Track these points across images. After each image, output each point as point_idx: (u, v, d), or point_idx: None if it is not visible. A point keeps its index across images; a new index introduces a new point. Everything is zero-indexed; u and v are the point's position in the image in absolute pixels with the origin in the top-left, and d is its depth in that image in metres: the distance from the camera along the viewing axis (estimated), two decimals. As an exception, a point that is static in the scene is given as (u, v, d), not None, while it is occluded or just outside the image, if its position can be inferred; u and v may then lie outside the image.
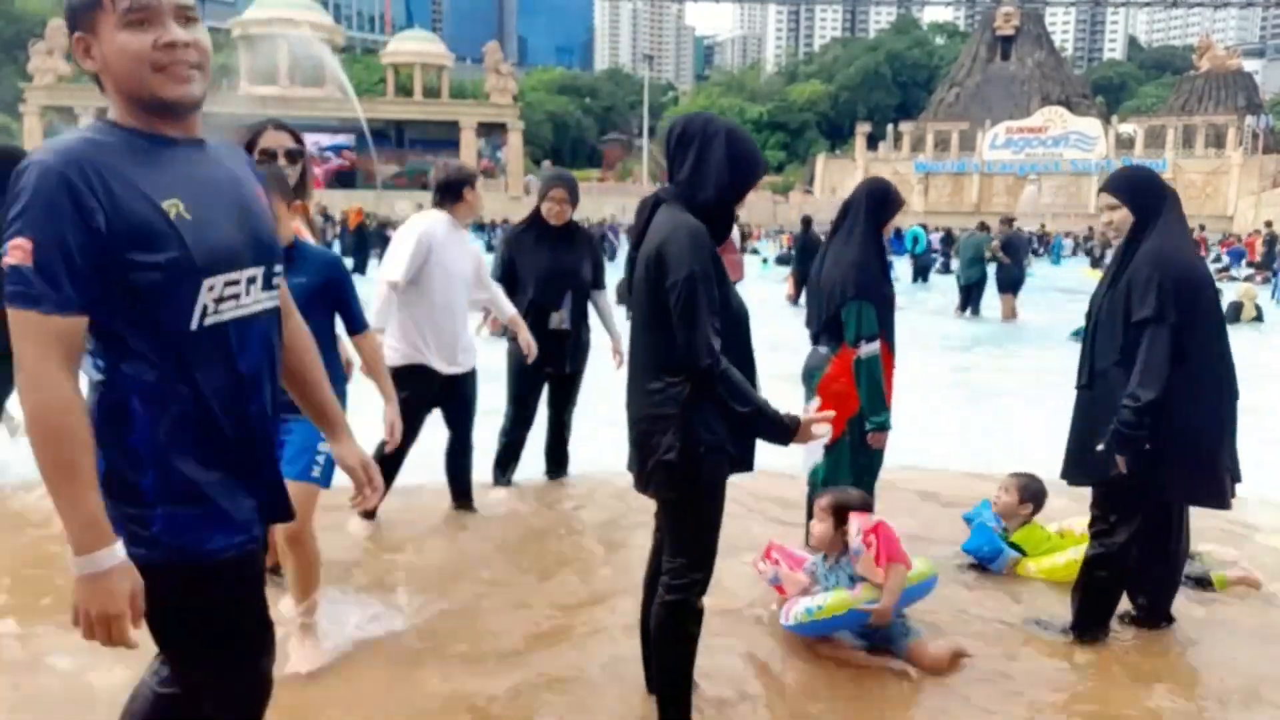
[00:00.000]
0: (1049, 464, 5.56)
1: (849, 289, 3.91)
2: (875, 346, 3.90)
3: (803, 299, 10.63)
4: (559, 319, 5.12)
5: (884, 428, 3.93)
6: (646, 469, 2.63)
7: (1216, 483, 3.35)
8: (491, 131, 63.10)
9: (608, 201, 53.54)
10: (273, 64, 59.52)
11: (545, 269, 5.08)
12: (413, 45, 66.06)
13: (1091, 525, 3.55)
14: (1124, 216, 3.41)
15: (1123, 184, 3.47)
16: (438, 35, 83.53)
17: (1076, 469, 3.54)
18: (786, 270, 20.18)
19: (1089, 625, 3.53)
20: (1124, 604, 3.74)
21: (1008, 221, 16.77)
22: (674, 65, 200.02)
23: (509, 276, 5.13)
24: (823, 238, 18.29)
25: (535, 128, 75.38)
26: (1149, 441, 3.21)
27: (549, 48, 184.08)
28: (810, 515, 4.23)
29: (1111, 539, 3.43)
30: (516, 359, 5.07)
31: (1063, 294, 20.12)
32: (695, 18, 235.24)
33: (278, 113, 47.95)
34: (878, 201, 4.09)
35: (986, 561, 4.19)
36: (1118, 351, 3.32)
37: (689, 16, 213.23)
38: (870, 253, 4.01)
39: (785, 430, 2.55)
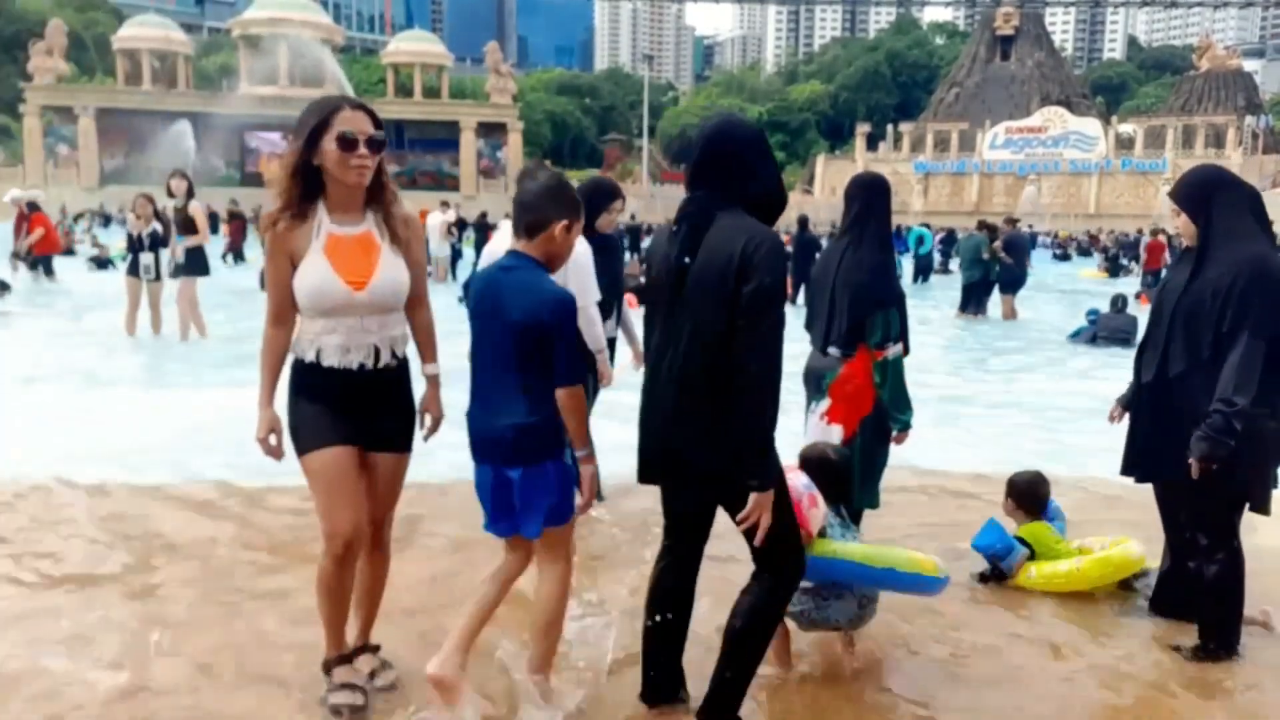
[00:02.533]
0: (1050, 460, 5.60)
1: (878, 296, 3.84)
2: (899, 347, 3.90)
3: (800, 299, 10.36)
4: (610, 328, 5.07)
5: (908, 427, 3.93)
6: (714, 477, 2.61)
7: (1268, 488, 3.38)
8: (491, 131, 63.07)
9: (607, 201, 53.37)
10: (273, 64, 59.47)
11: (601, 279, 4.94)
12: (413, 45, 66.05)
13: (1187, 544, 3.50)
14: (1186, 221, 3.42)
15: (1179, 188, 3.48)
16: (438, 36, 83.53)
17: (1141, 467, 3.54)
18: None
19: (1226, 636, 3.45)
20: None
21: (1011, 221, 16.79)
22: (674, 65, 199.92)
23: None
24: (820, 238, 18.27)
25: (535, 128, 75.38)
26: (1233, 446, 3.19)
27: (549, 48, 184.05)
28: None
29: (1227, 548, 3.38)
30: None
31: (1063, 294, 20.15)
32: (695, 18, 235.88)
33: (277, 113, 47.28)
34: (881, 197, 4.02)
35: (998, 559, 4.06)
36: (1198, 356, 3.29)
37: (689, 16, 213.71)
38: (889, 255, 4.00)
39: (768, 477, 2.52)
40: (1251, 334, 3.17)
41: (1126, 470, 3.63)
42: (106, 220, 39.69)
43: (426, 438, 3.00)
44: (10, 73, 64.39)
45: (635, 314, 5.02)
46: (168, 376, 8.68)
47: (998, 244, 15.41)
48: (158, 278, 10.73)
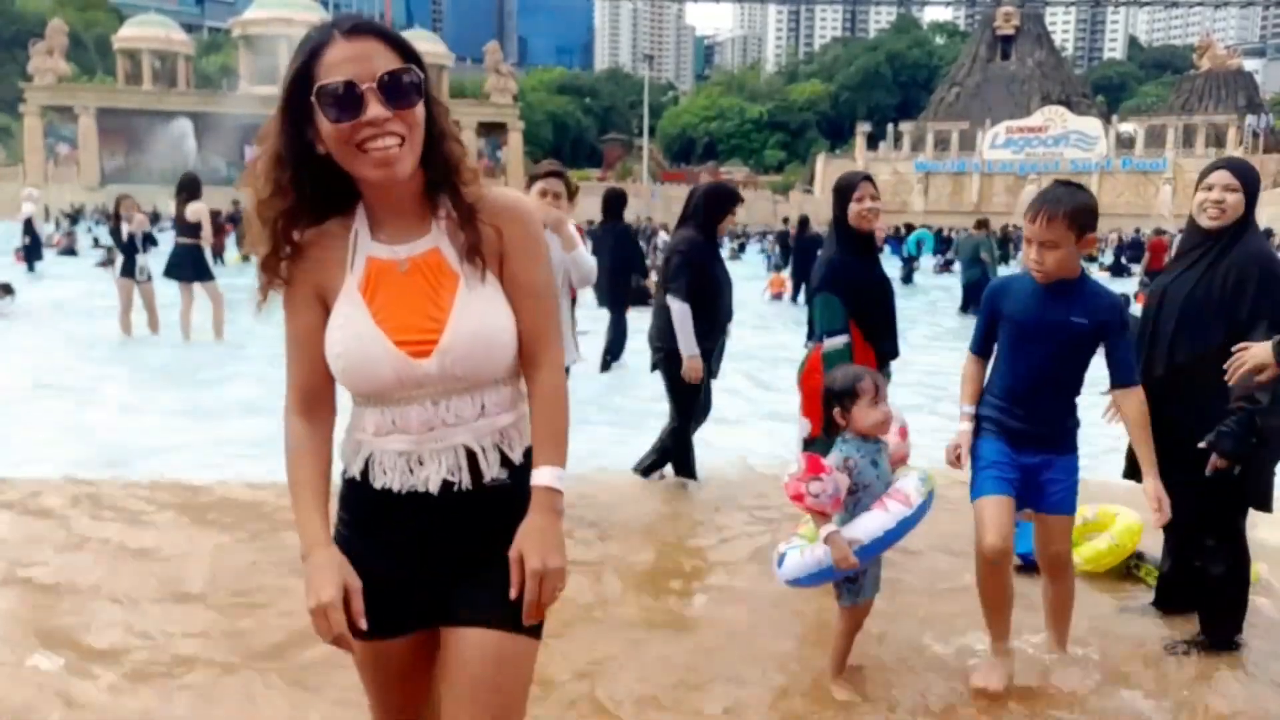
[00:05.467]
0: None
1: (817, 284, 4.03)
2: (839, 340, 3.92)
3: (801, 298, 10.27)
4: (731, 326, 5.32)
5: None
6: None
7: (1270, 485, 3.35)
8: (491, 131, 63.08)
9: (608, 201, 53.38)
10: (273, 64, 59.38)
11: (727, 280, 5.15)
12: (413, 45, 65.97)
13: (1190, 542, 3.47)
14: (1239, 201, 3.32)
15: (1246, 173, 3.40)
16: (438, 35, 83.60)
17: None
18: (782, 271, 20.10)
19: (1229, 634, 3.43)
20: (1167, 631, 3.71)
21: None
22: (674, 65, 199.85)
23: (707, 291, 4.98)
24: (820, 237, 18.22)
25: (535, 128, 75.36)
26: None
27: (549, 48, 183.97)
28: None
29: (1234, 545, 3.35)
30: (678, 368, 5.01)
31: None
32: (695, 17, 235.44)
33: (277, 113, 47.71)
34: (836, 194, 4.16)
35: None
36: (1210, 346, 3.22)
37: (689, 16, 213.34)
38: (839, 246, 4.07)
39: None
40: (1272, 325, 3.09)
41: (1130, 472, 3.54)
42: (74, 219, 39.27)
43: (526, 616, 1.62)
44: (10, 73, 64.36)
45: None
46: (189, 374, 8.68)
47: None
48: (150, 278, 10.73)
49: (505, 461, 1.66)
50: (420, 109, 1.56)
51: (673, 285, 4.89)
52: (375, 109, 1.50)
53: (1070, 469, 3.20)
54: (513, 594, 1.59)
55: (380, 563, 1.65)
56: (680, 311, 4.82)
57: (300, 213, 1.61)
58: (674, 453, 5.29)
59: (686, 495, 5.29)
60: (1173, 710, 3.11)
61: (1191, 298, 3.31)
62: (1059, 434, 3.18)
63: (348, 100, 1.49)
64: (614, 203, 9.16)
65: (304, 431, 1.67)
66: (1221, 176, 3.33)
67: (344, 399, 1.72)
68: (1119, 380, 3.11)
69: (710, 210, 5.02)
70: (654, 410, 6.04)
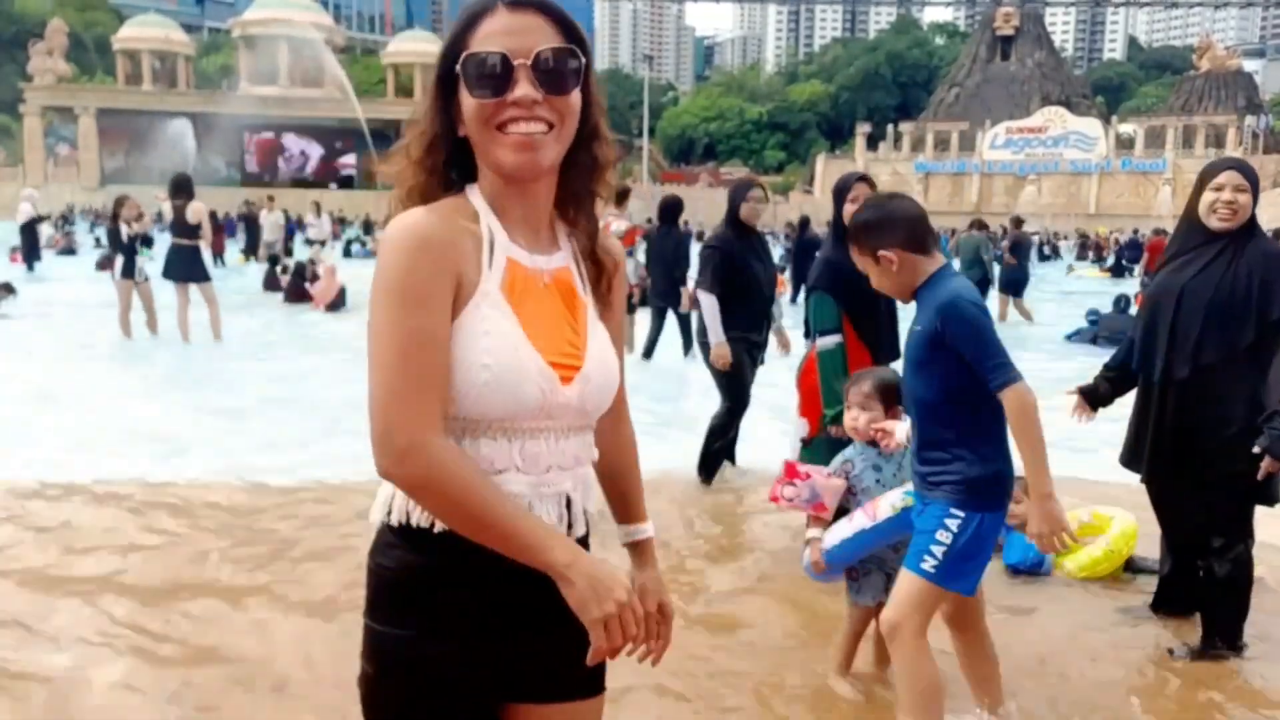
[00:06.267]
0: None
1: (811, 282, 4.08)
2: (830, 341, 3.93)
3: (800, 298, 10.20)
4: (777, 315, 5.43)
5: (837, 421, 3.79)
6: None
7: (1275, 479, 3.34)
8: (491, 132, 63.00)
9: (607, 201, 53.31)
10: (273, 64, 59.45)
11: (766, 273, 5.21)
12: (413, 45, 66.00)
13: (1193, 543, 3.47)
14: (1249, 202, 3.33)
15: (1252, 173, 3.41)
16: (438, 35, 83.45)
17: (1164, 466, 3.45)
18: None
19: (1233, 636, 3.43)
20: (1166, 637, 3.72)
21: (1017, 222, 16.70)
22: (674, 65, 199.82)
23: (738, 283, 5.05)
24: (819, 237, 18.24)
25: (535, 128, 75.27)
26: None
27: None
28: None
29: (1242, 546, 3.34)
30: (737, 362, 5.09)
31: (1063, 295, 20.12)
32: (695, 18, 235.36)
33: (278, 113, 46.97)
34: (835, 195, 4.19)
35: (1035, 568, 4.12)
36: (1240, 346, 3.25)
37: (689, 16, 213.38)
38: (835, 245, 4.10)
39: None
40: None
41: (1150, 475, 3.53)
42: (67, 219, 39.11)
43: (659, 659, 1.49)
44: (10, 73, 64.39)
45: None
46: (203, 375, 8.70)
47: (1005, 244, 15.34)
48: (148, 279, 10.75)
49: (586, 515, 1.48)
50: (576, 98, 1.37)
51: (699, 279, 5.17)
52: (525, 88, 1.31)
53: (931, 520, 2.59)
54: (656, 648, 1.46)
55: (453, 643, 1.38)
56: (708, 302, 5.02)
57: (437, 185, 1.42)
58: (707, 440, 5.37)
59: (682, 494, 5.30)
60: (1175, 715, 3.12)
61: (1216, 299, 3.29)
62: (928, 469, 2.63)
63: (496, 74, 1.31)
64: (671, 209, 9.62)
65: (454, 447, 1.30)
66: (1233, 177, 3.33)
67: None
68: (991, 385, 2.48)
69: (730, 205, 5.21)
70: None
